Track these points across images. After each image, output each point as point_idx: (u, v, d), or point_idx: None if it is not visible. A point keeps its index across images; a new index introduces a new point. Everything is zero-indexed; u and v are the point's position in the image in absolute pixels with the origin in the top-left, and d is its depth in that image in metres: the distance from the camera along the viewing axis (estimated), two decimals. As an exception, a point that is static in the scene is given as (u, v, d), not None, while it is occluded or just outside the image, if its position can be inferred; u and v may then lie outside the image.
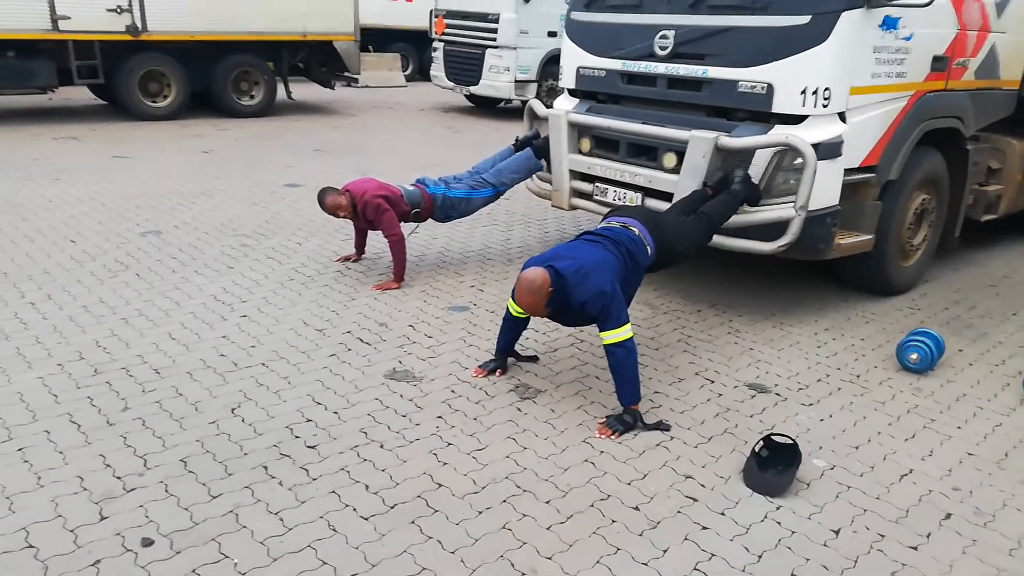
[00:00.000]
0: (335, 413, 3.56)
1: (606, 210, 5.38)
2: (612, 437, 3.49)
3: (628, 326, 3.52)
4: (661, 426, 3.58)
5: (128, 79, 11.33)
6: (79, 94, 13.34)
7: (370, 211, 5.11)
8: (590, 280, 3.51)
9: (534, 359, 4.22)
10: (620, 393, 3.59)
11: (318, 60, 13.48)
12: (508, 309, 3.96)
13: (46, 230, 6.09)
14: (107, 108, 12.67)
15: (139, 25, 10.92)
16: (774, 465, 3.19)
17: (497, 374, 4.05)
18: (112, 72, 11.19)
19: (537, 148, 5.82)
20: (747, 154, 4.55)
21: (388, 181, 5.45)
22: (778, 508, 3.03)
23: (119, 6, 10.71)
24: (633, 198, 5.15)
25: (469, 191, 5.58)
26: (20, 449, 3.14)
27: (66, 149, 9.37)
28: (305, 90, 14.84)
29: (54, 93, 12.24)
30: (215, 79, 12.12)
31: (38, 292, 4.81)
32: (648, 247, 3.95)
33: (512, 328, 4.03)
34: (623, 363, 3.50)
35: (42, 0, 10.14)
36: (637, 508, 2.99)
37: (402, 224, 5.26)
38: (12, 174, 7.86)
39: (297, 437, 3.35)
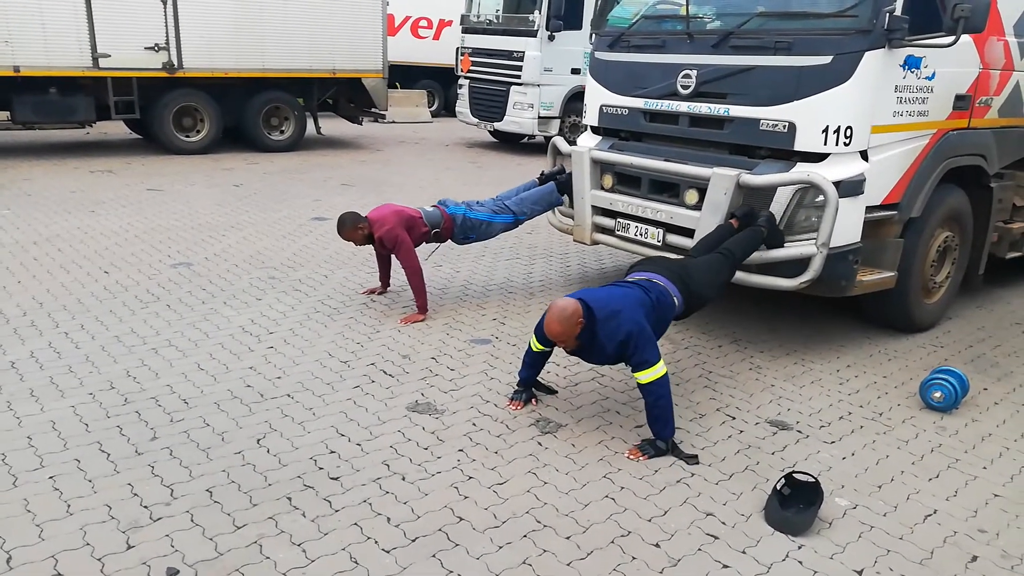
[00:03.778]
0: (358, 445, 3.61)
1: (627, 244, 5.46)
2: (642, 459, 3.56)
3: (661, 363, 3.55)
4: (692, 460, 3.59)
5: (163, 114, 11.67)
6: (115, 129, 13.75)
7: (388, 242, 5.23)
8: (619, 319, 3.55)
9: (552, 391, 4.26)
10: (655, 429, 3.63)
11: (346, 96, 13.81)
12: (530, 345, 4.04)
13: (81, 261, 6.26)
14: (142, 142, 13.01)
15: (175, 62, 11.27)
16: (796, 503, 3.18)
17: (533, 403, 4.12)
18: (147, 107, 11.55)
19: (560, 184, 5.90)
20: (768, 192, 4.59)
21: (409, 204, 5.56)
22: (800, 547, 3.01)
23: (157, 44, 11.08)
24: (655, 233, 5.20)
25: (491, 215, 5.67)
26: (51, 477, 3.22)
27: (102, 182, 9.64)
28: (333, 125, 15.15)
29: (92, 128, 12.60)
30: (246, 115, 12.44)
31: (72, 322, 4.94)
32: (675, 299, 3.98)
33: (534, 363, 4.09)
34: (659, 400, 3.55)
35: (84, 39, 10.54)
36: (658, 545, 2.99)
37: (423, 245, 5.37)
38: (51, 206, 8.10)
39: (321, 468, 3.39)
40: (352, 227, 5.22)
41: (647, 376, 3.52)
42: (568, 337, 3.59)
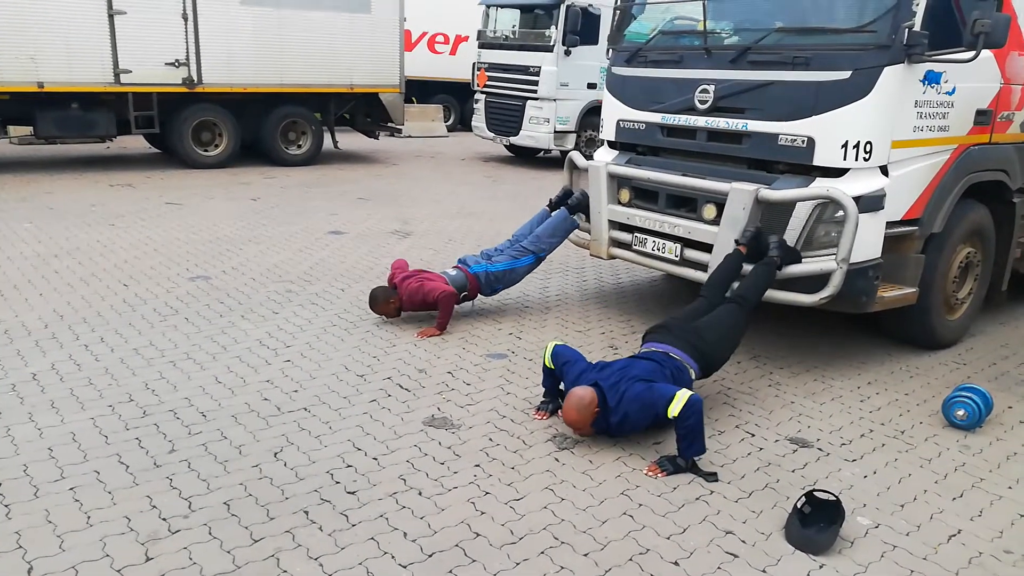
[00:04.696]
0: (375, 459, 3.60)
1: (644, 259, 5.44)
2: (660, 475, 3.55)
3: (682, 391, 3.55)
4: (711, 477, 3.56)
5: (182, 129, 11.82)
6: (135, 143, 13.93)
7: (417, 297, 5.26)
8: (627, 394, 3.63)
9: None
10: (680, 447, 3.60)
11: (364, 111, 13.91)
12: (544, 362, 4.11)
13: (100, 274, 6.32)
14: (161, 156, 13.18)
15: (195, 78, 11.42)
16: (817, 522, 3.14)
17: (559, 414, 4.11)
18: (167, 122, 11.70)
19: (571, 206, 5.88)
20: (787, 207, 4.56)
21: (430, 267, 5.67)
22: (821, 567, 2.97)
23: (177, 60, 11.23)
24: (672, 248, 5.18)
25: (512, 261, 5.66)
26: (71, 488, 3.23)
27: (122, 196, 9.75)
28: (350, 140, 15.26)
29: (112, 142, 12.77)
30: (264, 129, 12.57)
31: (92, 334, 4.98)
32: (692, 370, 4.00)
33: (551, 375, 4.12)
34: (687, 420, 3.51)
35: (106, 55, 10.72)
36: (676, 563, 2.96)
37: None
38: (71, 220, 8.20)
39: (337, 482, 3.39)
40: (384, 302, 5.34)
41: (674, 408, 3.49)
42: (584, 424, 3.70)
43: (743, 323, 4.36)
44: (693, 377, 4.01)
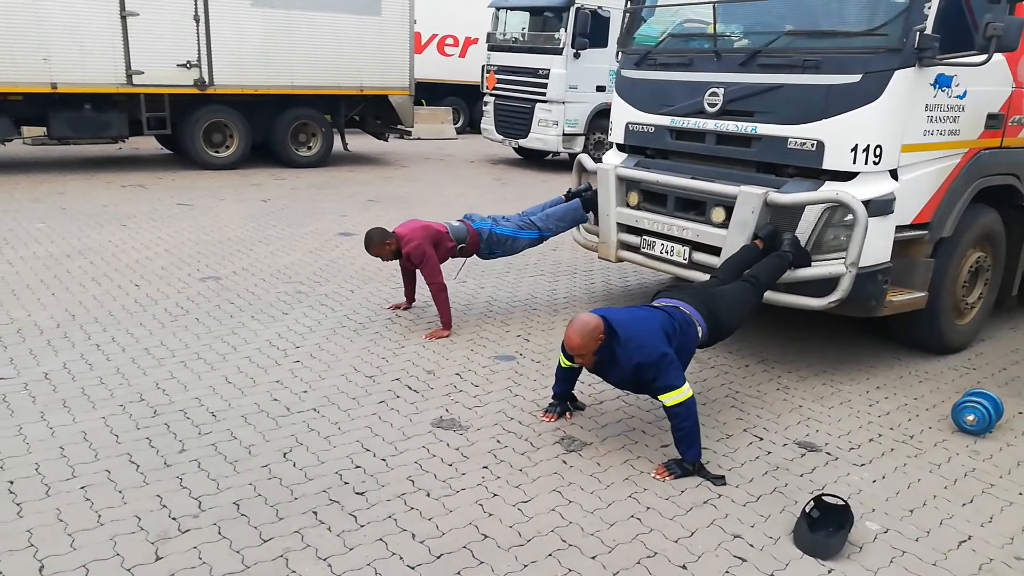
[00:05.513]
0: (383, 460, 3.62)
1: (653, 262, 5.45)
2: (668, 478, 3.54)
3: (686, 386, 3.53)
4: (719, 480, 3.55)
5: (193, 130, 11.88)
6: (147, 144, 14.01)
7: (415, 258, 5.26)
8: (639, 341, 3.53)
9: (581, 407, 4.25)
10: (680, 450, 3.60)
11: (373, 113, 13.93)
12: (559, 361, 4.06)
13: (112, 274, 6.36)
14: (172, 157, 13.26)
15: (206, 79, 11.48)
16: (825, 526, 3.13)
17: (567, 416, 4.12)
18: (179, 123, 11.76)
19: (585, 201, 5.91)
20: (796, 210, 4.56)
21: (434, 220, 5.62)
22: (830, 571, 2.96)
23: (189, 62, 11.30)
24: (680, 251, 5.18)
25: (516, 230, 5.70)
26: (82, 487, 3.26)
27: (133, 196, 9.81)
28: (360, 142, 15.30)
29: (124, 143, 12.85)
30: (275, 131, 12.62)
31: (103, 334, 5.01)
32: (700, 328, 3.93)
33: (565, 377, 4.11)
34: (684, 422, 3.51)
35: (119, 57, 10.79)
36: (684, 567, 2.95)
37: (449, 261, 5.40)
38: (83, 220, 8.25)
39: (346, 483, 3.40)
40: (380, 243, 5.27)
41: (671, 399, 3.49)
42: (586, 351, 3.59)
43: (754, 301, 4.36)
44: (699, 335, 3.92)
